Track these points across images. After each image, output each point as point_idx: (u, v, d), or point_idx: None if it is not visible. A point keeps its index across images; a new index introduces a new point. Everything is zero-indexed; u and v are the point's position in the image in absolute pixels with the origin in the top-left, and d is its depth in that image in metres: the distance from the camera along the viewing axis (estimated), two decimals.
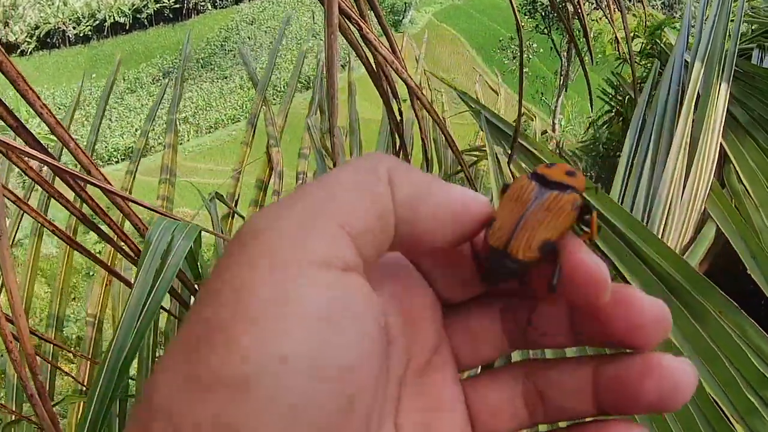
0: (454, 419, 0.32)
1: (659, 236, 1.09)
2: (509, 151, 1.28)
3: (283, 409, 0.22)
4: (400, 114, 1.38)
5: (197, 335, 0.23)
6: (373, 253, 0.27)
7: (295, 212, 0.25)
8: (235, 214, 1.49)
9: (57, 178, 0.96)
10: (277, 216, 0.25)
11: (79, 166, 0.87)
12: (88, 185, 0.84)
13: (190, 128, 16.25)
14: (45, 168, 1.01)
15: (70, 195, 0.95)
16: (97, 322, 1.26)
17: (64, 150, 1.01)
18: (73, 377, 1.18)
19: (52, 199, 1.13)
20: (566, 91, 10.62)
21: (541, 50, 13.66)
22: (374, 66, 1.10)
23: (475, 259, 0.30)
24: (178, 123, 1.56)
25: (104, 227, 0.98)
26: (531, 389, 0.32)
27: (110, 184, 0.86)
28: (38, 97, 0.75)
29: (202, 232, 0.92)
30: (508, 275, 0.29)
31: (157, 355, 1.11)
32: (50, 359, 1.18)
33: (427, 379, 0.31)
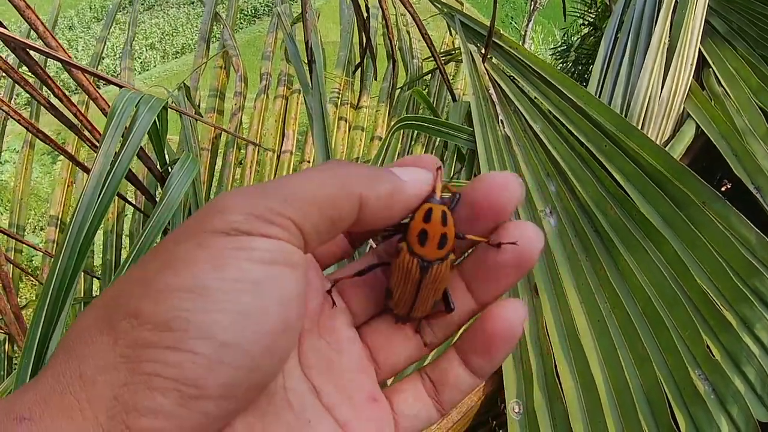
0: (351, 354, 0.37)
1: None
2: (483, 51, 1.24)
3: (232, 314, 0.27)
4: (367, 10, 1.33)
5: (164, 259, 0.28)
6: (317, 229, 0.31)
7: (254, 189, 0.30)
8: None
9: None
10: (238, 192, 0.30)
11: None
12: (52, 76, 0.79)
13: (156, 54, 15.83)
14: (12, 57, 0.96)
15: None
16: (59, 222, 1.22)
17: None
18: (37, 280, 1.15)
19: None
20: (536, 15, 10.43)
21: None
22: None
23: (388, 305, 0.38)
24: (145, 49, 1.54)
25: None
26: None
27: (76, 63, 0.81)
28: None
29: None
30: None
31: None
32: (12, 259, 1.14)
33: (322, 324, 0.37)
